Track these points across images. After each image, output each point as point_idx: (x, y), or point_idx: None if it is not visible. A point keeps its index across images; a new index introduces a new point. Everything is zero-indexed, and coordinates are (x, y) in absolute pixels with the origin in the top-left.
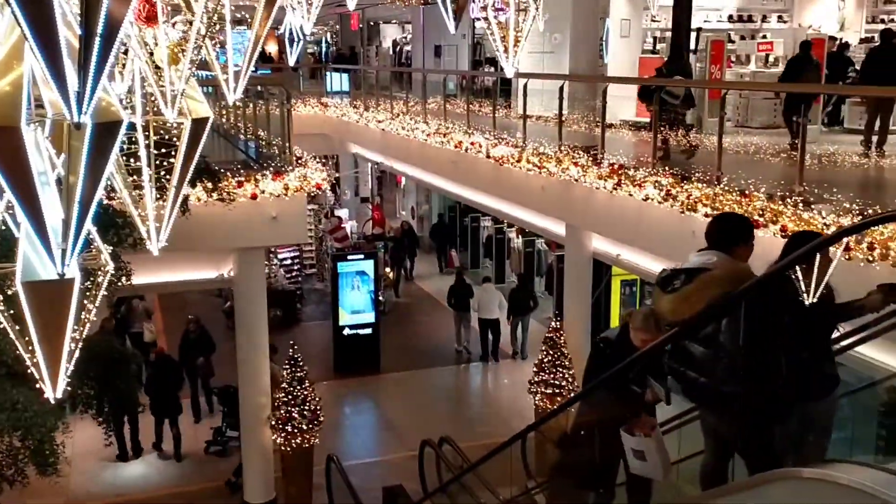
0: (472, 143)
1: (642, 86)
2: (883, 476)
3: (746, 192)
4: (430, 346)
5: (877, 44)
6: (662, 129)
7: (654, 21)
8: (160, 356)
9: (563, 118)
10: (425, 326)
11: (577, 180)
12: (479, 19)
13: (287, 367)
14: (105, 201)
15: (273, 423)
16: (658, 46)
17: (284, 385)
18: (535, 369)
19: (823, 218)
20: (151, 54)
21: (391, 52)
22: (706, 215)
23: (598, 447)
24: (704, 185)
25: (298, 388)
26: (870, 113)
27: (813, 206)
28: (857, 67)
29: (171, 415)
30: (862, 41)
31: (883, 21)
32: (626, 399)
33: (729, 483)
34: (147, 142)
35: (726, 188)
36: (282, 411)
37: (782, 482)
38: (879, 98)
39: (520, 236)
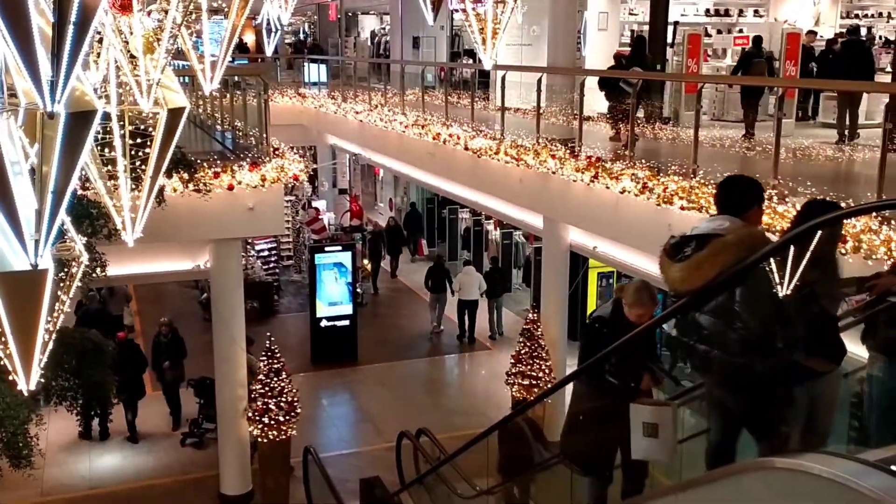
0: (450, 135)
1: (602, 77)
2: (855, 466)
3: None
4: (407, 338)
5: (844, 39)
6: (620, 118)
7: (632, 14)
8: (123, 341)
9: (541, 110)
10: (403, 318)
11: (554, 173)
12: (457, 11)
13: (264, 358)
14: (79, 192)
15: (250, 415)
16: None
17: (261, 377)
18: (512, 360)
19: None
20: (126, 43)
21: (369, 43)
22: (682, 208)
23: (597, 432)
24: (680, 177)
25: (275, 379)
26: (840, 107)
27: (787, 200)
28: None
29: (132, 398)
30: (836, 35)
31: (857, 16)
32: (624, 380)
33: (703, 473)
34: (122, 132)
35: (702, 181)
36: (259, 403)
37: (756, 472)
38: (847, 92)
39: (498, 228)
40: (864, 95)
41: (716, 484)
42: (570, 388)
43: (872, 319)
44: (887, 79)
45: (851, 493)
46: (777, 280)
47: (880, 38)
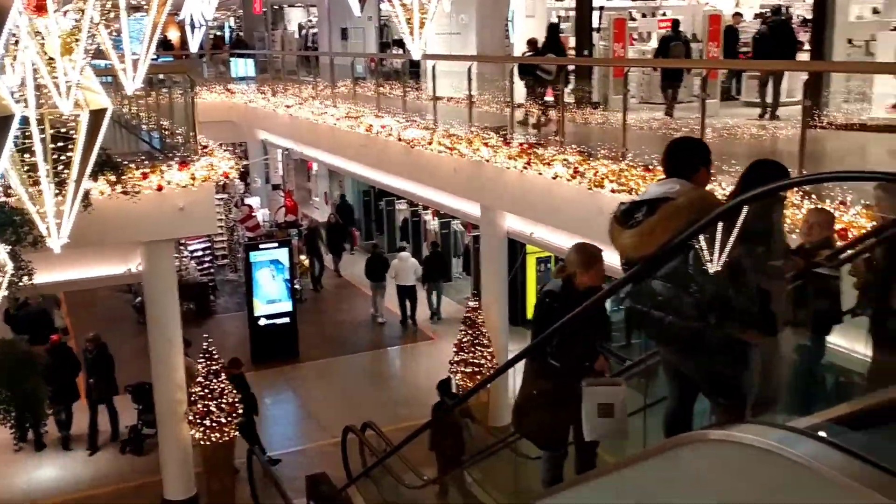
0: (382, 127)
1: (521, 63)
2: (784, 434)
3: (650, 167)
4: (349, 332)
5: (769, 20)
6: (534, 103)
7: (559, 0)
8: (55, 345)
9: (473, 99)
10: (343, 313)
11: (488, 161)
12: (384, 1)
13: (202, 360)
14: (1, 198)
15: (191, 418)
16: (563, 25)
17: (200, 379)
18: (454, 349)
19: (724, 189)
20: (43, 45)
21: (297, 35)
22: (613, 191)
23: (550, 410)
24: (610, 161)
25: (215, 381)
26: (761, 85)
27: (714, 179)
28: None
29: (65, 401)
30: (756, 16)
31: None
32: (568, 361)
33: (640, 449)
34: (42, 136)
35: (631, 163)
36: (199, 406)
37: (692, 445)
38: (769, 71)
39: (435, 218)
40: (786, 74)
41: (656, 458)
42: (518, 368)
43: (798, 293)
44: (807, 57)
45: (782, 461)
46: (708, 254)
47: (798, 16)
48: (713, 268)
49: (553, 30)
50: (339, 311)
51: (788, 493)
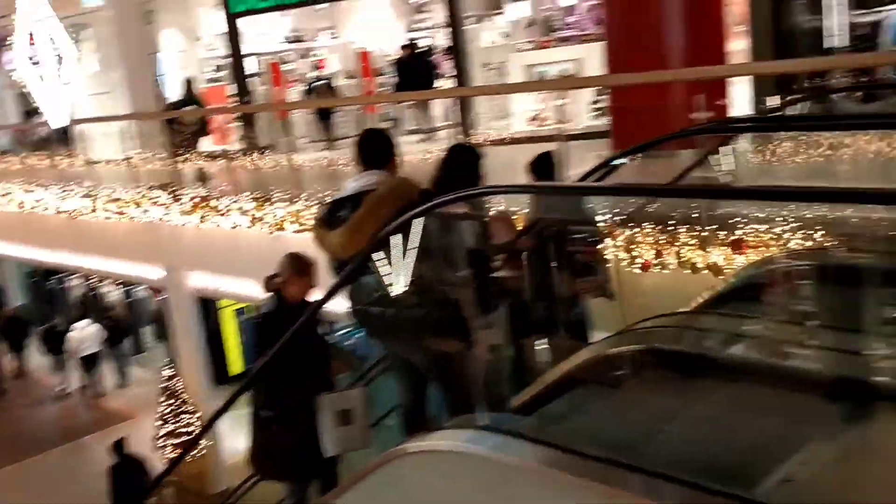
0: (36, 201)
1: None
2: (470, 433)
3: (325, 202)
4: (35, 429)
5: (408, 52)
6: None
7: (212, 49)
8: None
9: (133, 158)
10: (24, 409)
11: (161, 220)
12: (14, 70)
13: None
14: None
15: None
16: (221, 73)
17: None
18: (158, 422)
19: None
20: None
21: None
22: (296, 231)
23: (288, 441)
24: (287, 203)
25: None
26: (417, 113)
27: None
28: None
29: None
30: (404, 48)
31: (418, 29)
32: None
33: (350, 474)
34: None
35: (307, 203)
36: None
37: (398, 459)
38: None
39: (118, 288)
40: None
41: (373, 476)
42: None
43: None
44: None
45: (476, 460)
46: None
47: (443, 46)
48: (401, 273)
49: (188, 84)
50: (18, 407)
51: (491, 489)
